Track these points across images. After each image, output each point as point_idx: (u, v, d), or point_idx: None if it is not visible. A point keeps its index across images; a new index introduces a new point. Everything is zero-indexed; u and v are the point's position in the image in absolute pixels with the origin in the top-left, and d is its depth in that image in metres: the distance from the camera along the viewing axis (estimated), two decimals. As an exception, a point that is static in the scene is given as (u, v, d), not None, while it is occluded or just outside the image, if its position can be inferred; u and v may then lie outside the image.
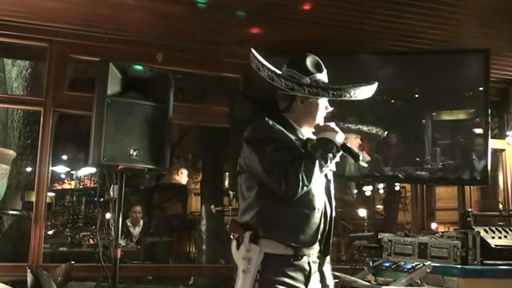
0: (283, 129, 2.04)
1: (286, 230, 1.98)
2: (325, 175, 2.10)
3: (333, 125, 2.08)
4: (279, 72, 2.04)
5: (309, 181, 1.93)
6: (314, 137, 2.10)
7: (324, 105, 2.14)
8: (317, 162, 1.96)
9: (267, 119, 2.05)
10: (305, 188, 1.94)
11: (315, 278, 2.07)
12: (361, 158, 2.08)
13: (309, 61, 2.12)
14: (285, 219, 1.99)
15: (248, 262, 1.96)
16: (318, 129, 2.09)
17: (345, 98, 2.03)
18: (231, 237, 2.09)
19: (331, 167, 2.09)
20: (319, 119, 2.13)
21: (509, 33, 4.10)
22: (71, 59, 4.24)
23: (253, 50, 2.10)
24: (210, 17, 3.87)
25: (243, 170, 2.08)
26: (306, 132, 2.14)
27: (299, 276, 1.99)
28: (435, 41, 4.21)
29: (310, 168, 1.94)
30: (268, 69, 2.04)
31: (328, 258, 2.12)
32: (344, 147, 2.03)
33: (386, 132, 4.12)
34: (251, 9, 3.76)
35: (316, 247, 2.05)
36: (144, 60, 4.02)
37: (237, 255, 2.04)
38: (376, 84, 2.10)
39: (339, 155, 2.04)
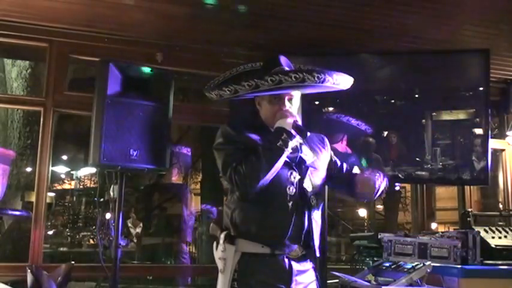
0: (248, 131, 2.08)
1: (258, 229, 1.99)
2: (300, 166, 2.07)
3: (285, 111, 2.05)
4: (236, 78, 2.10)
5: (260, 176, 1.92)
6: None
7: (284, 99, 2.10)
8: (266, 154, 1.94)
9: (231, 123, 2.11)
10: (258, 183, 1.93)
11: (303, 278, 2.06)
12: (307, 133, 2.04)
13: (275, 59, 2.15)
14: (254, 219, 2.00)
15: (224, 262, 1.97)
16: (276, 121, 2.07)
17: (310, 83, 1.96)
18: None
19: (319, 152, 2.15)
20: (290, 113, 2.06)
21: (509, 33, 4.10)
22: (71, 59, 4.23)
23: (205, 88, 2.14)
24: (210, 17, 3.87)
25: (220, 174, 2.12)
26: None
27: (277, 275, 1.99)
28: (435, 41, 4.21)
29: (257, 164, 1.93)
30: (223, 84, 2.07)
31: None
32: (294, 126, 1.99)
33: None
34: (251, 9, 3.75)
35: (297, 248, 2.04)
36: (144, 60, 4.03)
37: (215, 255, 2.08)
38: (350, 79, 2.08)
39: (295, 138, 2.00)
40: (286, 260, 2.02)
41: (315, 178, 2.13)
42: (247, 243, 2.00)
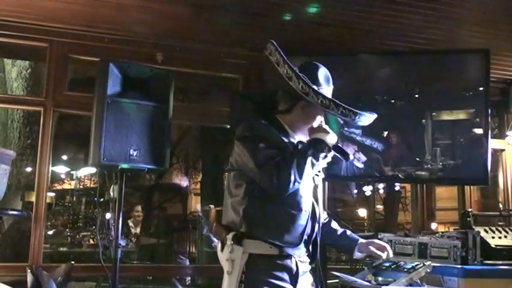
0: (275, 130, 2.06)
1: (271, 229, 1.99)
2: (313, 179, 2.12)
3: (325, 126, 2.10)
4: (299, 73, 2.03)
5: (300, 178, 1.94)
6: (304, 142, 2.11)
7: (320, 118, 2.14)
8: (308, 160, 1.96)
9: (256, 119, 2.08)
10: (296, 184, 1.94)
11: (305, 279, 2.07)
12: (355, 157, 2.12)
13: (321, 72, 2.14)
14: (271, 218, 2.00)
15: (232, 263, 1.96)
16: (311, 131, 2.10)
17: (348, 119, 2.06)
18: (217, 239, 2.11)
19: (321, 170, 2.14)
20: (311, 129, 2.13)
21: (509, 33, 4.10)
22: (71, 59, 4.23)
23: (274, 42, 2.10)
24: (210, 17, 3.87)
25: (233, 168, 2.09)
26: (298, 138, 2.14)
27: (285, 276, 1.99)
28: (435, 41, 4.21)
29: (302, 165, 1.94)
30: (290, 67, 2.03)
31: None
32: (335, 147, 2.05)
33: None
34: (251, 9, 3.75)
35: (302, 248, 2.05)
36: (144, 60, 4.03)
37: (221, 257, 2.06)
38: (375, 116, 2.15)
39: (330, 154, 2.05)
40: (294, 261, 2.02)
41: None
42: (255, 243, 1.98)
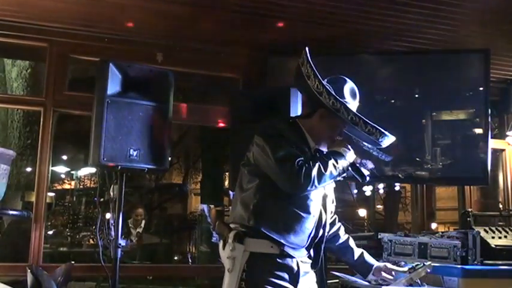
0: (294, 134, 2.08)
1: (278, 227, 2.00)
2: (323, 187, 2.12)
3: (346, 143, 2.13)
4: (331, 90, 2.05)
5: (319, 182, 1.96)
6: (322, 150, 2.14)
7: (339, 129, 2.18)
8: (329, 168, 1.98)
9: (281, 121, 2.13)
10: (314, 187, 1.97)
11: (307, 279, 2.07)
12: (362, 162, 2.13)
13: (347, 87, 2.17)
14: (279, 216, 2.02)
15: (233, 261, 1.97)
16: (330, 142, 2.14)
17: (373, 138, 2.10)
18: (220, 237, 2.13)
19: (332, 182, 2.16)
20: (330, 138, 2.18)
21: (509, 33, 4.10)
22: (71, 59, 4.23)
23: (307, 53, 2.08)
24: (210, 17, 3.87)
25: (249, 163, 2.11)
26: (316, 143, 2.16)
27: (285, 275, 2.00)
28: (435, 41, 4.21)
29: (323, 171, 1.97)
30: (320, 82, 2.05)
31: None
32: (353, 166, 2.08)
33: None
34: (251, 9, 3.76)
35: (304, 251, 2.07)
36: (144, 60, 4.03)
37: (222, 255, 2.07)
38: (394, 138, 2.20)
39: (347, 172, 2.08)
40: (295, 261, 2.02)
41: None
42: (257, 242, 1.99)
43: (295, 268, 2.02)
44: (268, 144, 2.02)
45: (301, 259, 2.05)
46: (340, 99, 2.04)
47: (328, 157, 2.03)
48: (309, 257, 2.12)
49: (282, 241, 1.99)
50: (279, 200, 2.00)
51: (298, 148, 2.03)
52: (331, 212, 2.28)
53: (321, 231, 2.12)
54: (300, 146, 2.05)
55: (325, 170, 1.97)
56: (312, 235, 2.08)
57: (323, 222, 2.13)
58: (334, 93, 2.04)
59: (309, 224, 2.06)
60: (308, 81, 2.05)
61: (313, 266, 2.14)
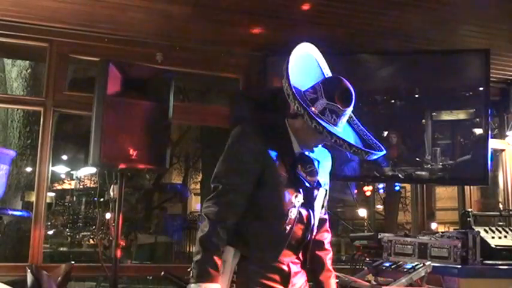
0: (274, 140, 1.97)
1: (258, 248, 1.95)
2: (310, 189, 2.01)
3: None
4: (295, 93, 1.87)
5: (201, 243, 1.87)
6: (307, 153, 2.02)
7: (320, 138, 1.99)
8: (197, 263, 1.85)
9: (249, 130, 1.96)
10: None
11: (298, 279, 2.06)
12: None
13: (340, 90, 1.94)
14: (252, 232, 1.95)
15: (223, 263, 1.95)
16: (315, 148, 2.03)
17: (343, 149, 1.90)
18: None
19: (326, 181, 2.10)
20: (318, 142, 2.01)
21: (509, 33, 4.10)
22: (71, 59, 4.23)
23: (288, 59, 1.96)
24: (210, 17, 3.87)
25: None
26: (302, 146, 2.02)
27: (276, 276, 1.97)
28: (435, 41, 4.21)
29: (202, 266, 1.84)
30: (289, 85, 1.88)
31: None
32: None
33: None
34: (251, 9, 3.75)
35: (292, 254, 2.01)
36: (144, 60, 4.03)
37: None
38: (379, 155, 1.99)
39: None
40: (285, 262, 2.01)
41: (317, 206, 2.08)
42: (246, 245, 1.97)
43: (286, 269, 2.00)
44: (224, 153, 2.00)
45: (290, 260, 2.04)
46: (305, 106, 1.86)
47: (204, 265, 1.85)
48: (298, 257, 2.07)
49: (266, 255, 1.95)
50: (253, 219, 1.94)
51: (248, 172, 1.92)
52: (319, 217, 2.12)
53: (309, 236, 2.04)
54: (252, 167, 1.93)
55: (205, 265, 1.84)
56: (296, 239, 2.00)
57: (310, 225, 2.03)
58: (300, 100, 1.86)
59: (280, 237, 1.95)
60: (282, 81, 1.92)
61: (303, 266, 2.11)
